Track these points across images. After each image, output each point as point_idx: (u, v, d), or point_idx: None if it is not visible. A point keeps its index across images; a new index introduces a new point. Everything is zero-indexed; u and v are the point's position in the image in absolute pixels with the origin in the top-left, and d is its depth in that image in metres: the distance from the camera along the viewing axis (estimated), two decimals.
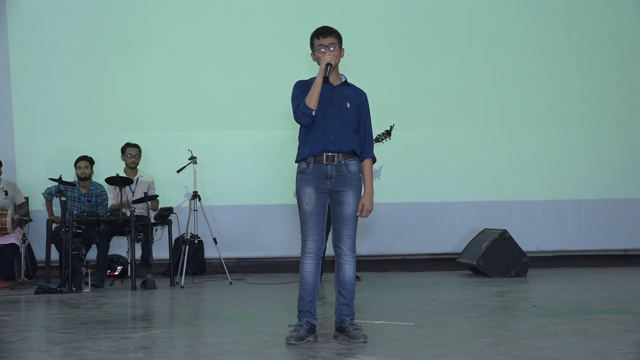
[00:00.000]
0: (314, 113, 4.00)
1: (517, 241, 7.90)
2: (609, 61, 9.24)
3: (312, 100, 3.99)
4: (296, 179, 4.13)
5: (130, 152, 7.90)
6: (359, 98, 4.17)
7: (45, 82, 8.73)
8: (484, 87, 9.11)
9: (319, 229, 4.07)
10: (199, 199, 7.74)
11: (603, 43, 9.25)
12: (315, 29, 4.15)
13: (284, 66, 8.58)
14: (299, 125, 4.15)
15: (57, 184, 7.38)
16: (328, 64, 4.00)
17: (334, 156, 4.04)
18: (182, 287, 7.19)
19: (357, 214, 4.08)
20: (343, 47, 4.14)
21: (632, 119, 9.24)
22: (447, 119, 9.02)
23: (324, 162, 4.04)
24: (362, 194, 4.11)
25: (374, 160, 4.20)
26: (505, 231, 7.96)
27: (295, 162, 4.14)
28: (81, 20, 8.80)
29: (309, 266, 4.07)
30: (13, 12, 8.69)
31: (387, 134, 7.61)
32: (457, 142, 9.02)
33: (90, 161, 8.06)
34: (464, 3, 9.19)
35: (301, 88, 4.10)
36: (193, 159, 7.78)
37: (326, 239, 5.19)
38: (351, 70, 8.40)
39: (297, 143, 4.15)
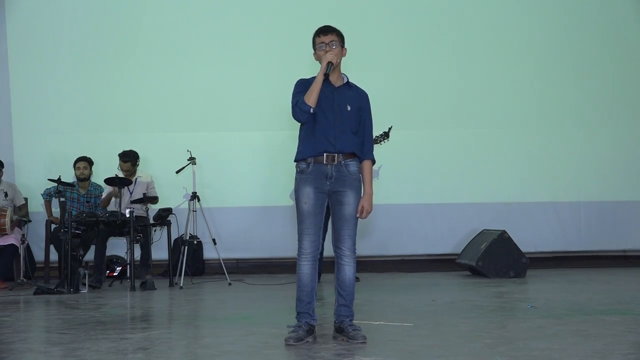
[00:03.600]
0: (312, 110, 3.99)
1: (516, 242, 7.89)
2: (608, 62, 9.25)
3: (311, 98, 3.98)
4: (295, 178, 4.13)
5: (123, 167, 7.78)
6: (361, 100, 4.15)
7: (44, 83, 8.73)
8: (484, 88, 9.12)
9: (316, 229, 4.06)
10: (198, 200, 7.74)
11: (602, 43, 9.25)
12: (316, 28, 4.15)
13: (284, 66, 8.58)
14: (298, 126, 4.15)
15: (56, 184, 7.38)
16: (329, 63, 4.00)
17: (334, 156, 4.03)
18: (181, 287, 7.19)
19: (357, 215, 4.08)
20: (345, 46, 4.13)
21: (631, 120, 9.25)
22: (446, 120, 9.03)
23: (324, 162, 4.04)
24: (362, 195, 4.11)
25: (373, 162, 4.20)
26: (504, 232, 7.96)
27: (295, 161, 4.14)
28: (80, 22, 8.80)
29: (305, 267, 4.06)
30: (12, 13, 8.69)
31: (386, 135, 7.60)
32: (456, 143, 9.03)
33: (89, 162, 8.06)
34: (462, 4, 9.20)
35: (302, 86, 4.09)
36: (192, 160, 7.78)
37: (324, 239, 5.19)
38: (350, 70, 8.43)
39: (297, 143, 4.15)
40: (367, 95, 4.20)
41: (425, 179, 8.96)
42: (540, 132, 9.13)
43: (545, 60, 9.18)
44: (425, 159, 8.98)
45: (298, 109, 4.01)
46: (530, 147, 9.10)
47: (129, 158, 7.83)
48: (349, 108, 4.08)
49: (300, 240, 4.07)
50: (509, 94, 9.14)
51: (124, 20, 8.85)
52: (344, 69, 4.19)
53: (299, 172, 4.10)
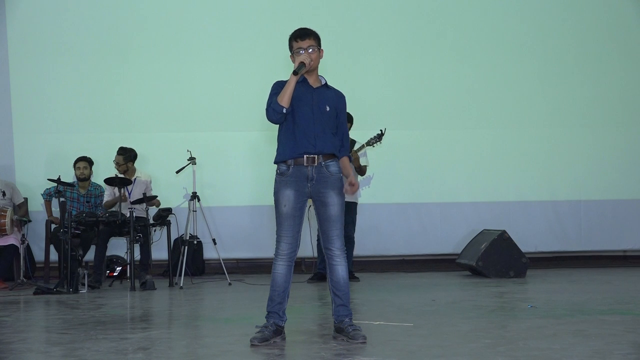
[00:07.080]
0: (285, 111, 4.01)
1: (516, 242, 7.89)
2: (609, 62, 9.24)
3: (284, 98, 4.00)
4: (275, 180, 4.16)
5: (116, 159, 7.80)
6: (339, 101, 4.18)
7: (44, 82, 8.73)
8: (483, 87, 9.11)
9: (295, 232, 4.09)
10: (198, 200, 7.74)
11: (603, 44, 9.25)
12: (292, 31, 4.13)
13: (285, 66, 8.54)
14: None
15: (56, 184, 7.38)
16: (301, 63, 3.99)
17: (314, 157, 4.06)
18: (181, 288, 7.19)
19: (350, 192, 4.09)
20: (322, 48, 4.14)
21: (631, 119, 9.24)
22: (446, 120, 9.02)
23: (305, 164, 4.06)
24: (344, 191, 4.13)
25: (350, 159, 4.25)
26: (504, 232, 7.95)
27: (274, 163, 4.16)
28: (80, 22, 8.80)
29: (280, 268, 4.10)
30: (12, 13, 8.69)
31: (379, 137, 7.41)
32: (456, 143, 9.03)
33: (89, 162, 8.07)
34: (463, 2, 9.19)
35: (278, 88, 4.12)
36: (192, 160, 7.78)
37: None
38: (349, 70, 8.44)
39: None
40: (344, 96, 4.24)
41: (425, 178, 8.96)
42: (540, 131, 9.12)
43: (545, 60, 9.18)
44: (425, 159, 8.98)
45: (271, 109, 4.05)
46: (530, 146, 9.10)
47: (124, 152, 7.82)
48: (327, 108, 4.10)
49: (277, 242, 4.13)
50: (509, 93, 9.13)
51: (123, 20, 8.85)
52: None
53: (279, 174, 4.14)
